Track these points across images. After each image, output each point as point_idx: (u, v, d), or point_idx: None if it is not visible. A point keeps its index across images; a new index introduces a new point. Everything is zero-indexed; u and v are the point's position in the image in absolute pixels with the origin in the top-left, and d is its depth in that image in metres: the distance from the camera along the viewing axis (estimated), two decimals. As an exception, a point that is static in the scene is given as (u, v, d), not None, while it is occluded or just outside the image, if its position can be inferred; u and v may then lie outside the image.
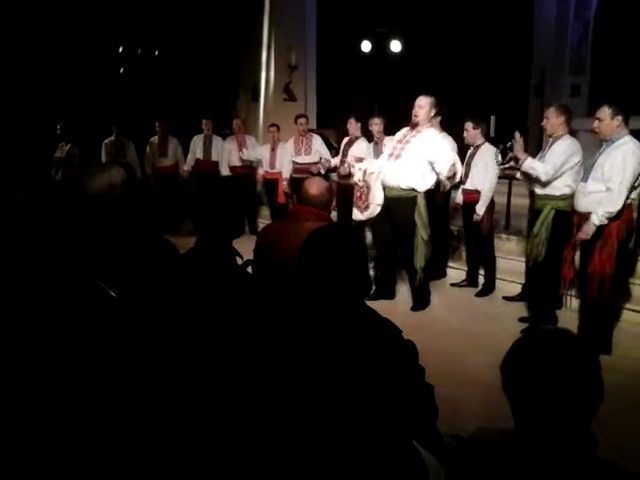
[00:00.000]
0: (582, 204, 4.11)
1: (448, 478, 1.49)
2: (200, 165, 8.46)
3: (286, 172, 7.77)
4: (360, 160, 5.62)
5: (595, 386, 1.26)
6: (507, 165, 4.93)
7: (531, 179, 4.67)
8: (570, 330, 1.35)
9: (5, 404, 1.76)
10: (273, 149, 8.03)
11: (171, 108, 9.80)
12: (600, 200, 3.96)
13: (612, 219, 3.93)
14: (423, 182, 5.02)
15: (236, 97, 10.48)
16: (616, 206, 3.87)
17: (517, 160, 4.62)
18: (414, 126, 5.10)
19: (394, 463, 1.52)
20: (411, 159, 5.00)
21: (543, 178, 4.45)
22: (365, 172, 5.36)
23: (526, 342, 1.33)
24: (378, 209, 5.29)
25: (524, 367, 1.28)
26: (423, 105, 5.02)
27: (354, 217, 5.55)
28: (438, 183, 5.86)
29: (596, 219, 3.92)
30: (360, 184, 5.45)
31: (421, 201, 5.01)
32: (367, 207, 5.34)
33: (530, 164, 4.51)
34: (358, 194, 5.61)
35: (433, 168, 5.03)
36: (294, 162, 7.69)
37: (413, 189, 5.02)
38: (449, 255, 6.37)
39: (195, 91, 10.48)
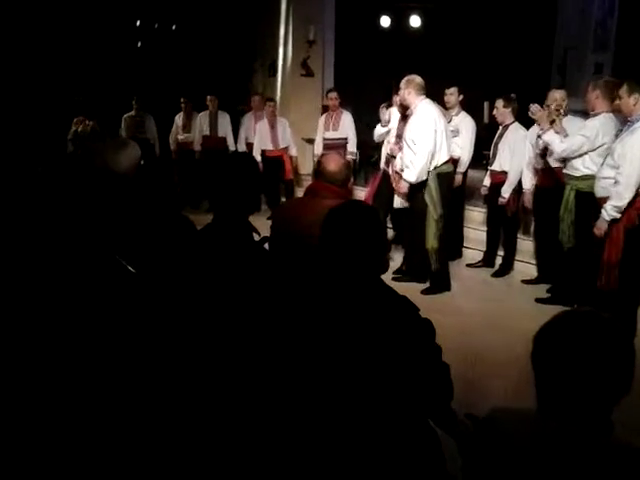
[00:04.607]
0: (597, 189, 4.04)
1: (462, 457, 1.50)
2: (207, 142, 8.38)
3: (318, 148, 7.63)
4: (400, 148, 5.48)
5: (626, 376, 1.24)
6: None
7: (550, 156, 4.68)
8: (613, 317, 1.31)
9: (22, 377, 1.79)
10: (272, 126, 7.85)
11: (188, 83, 9.76)
12: (608, 187, 3.86)
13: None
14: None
15: (253, 72, 10.40)
16: (623, 200, 3.75)
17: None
18: (405, 108, 5.09)
19: (410, 441, 1.53)
20: (407, 144, 4.96)
21: (556, 155, 4.54)
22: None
23: (566, 318, 1.30)
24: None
25: (558, 343, 1.25)
26: (402, 87, 4.96)
27: (396, 205, 5.45)
28: (455, 163, 5.83)
29: (606, 214, 3.82)
30: (401, 173, 5.35)
31: (432, 181, 4.93)
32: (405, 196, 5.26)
33: (549, 138, 4.53)
34: (398, 177, 5.50)
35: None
36: (323, 138, 7.61)
37: None
38: (464, 236, 6.33)
39: (212, 66, 10.41)
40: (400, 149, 5.35)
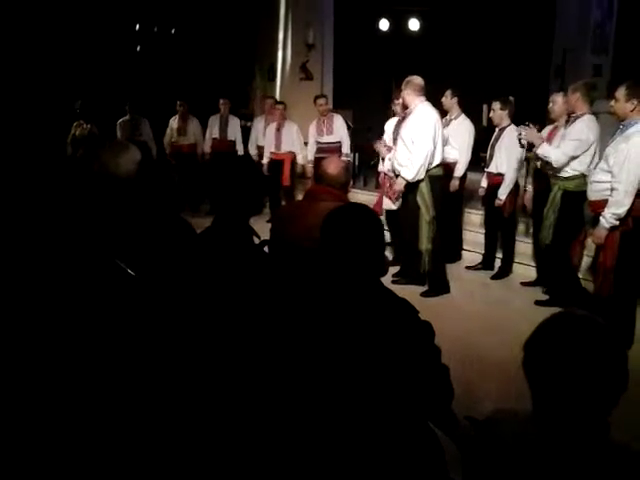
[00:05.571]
0: (589, 193, 4.05)
1: (463, 459, 1.50)
2: (216, 145, 8.45)
3: (310, 154, 7.66)
4: (390, 150, 5.52)
5: (619, 375, 1.22)
6: (527, 149, 4.95)
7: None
8: (598, 316, 1.30)
9: (22, 381, 1.79)
10: (279, 129, 7.82)
11: (187, 87, 9.78)
12: (602, 191, 3.86)
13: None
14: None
15: (253, 76, 10.42)
16: (623, 207, 3.70)
17: (533, 145, 4.71)
18: (404, 108, 5.14)
19: (410, 443, 1.54)
20: (404, 142, 4.99)
21: (555, 165, 4.53)
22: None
23: (553, 324, 1.29)
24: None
25: (548, 349, 1.25)
26: (403, 87, 5.01)
27: (385, 207, 5.48)
28: (451, 168, 5.87)
29: (605, 222, 3.77)
30: (390, 174, 5.39)
31: (423, 183, 4.94)
32: (398, 197, 5.26)
33: (544, 152, 4.58)
34: (388, 184, 5.55)
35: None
36: (317, 142, 7.63)
37: None
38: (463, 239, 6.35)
39: (211, 70, 10.43)
40: (389, 150, 5.39)
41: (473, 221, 6.48)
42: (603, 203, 3.85)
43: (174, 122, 8.64)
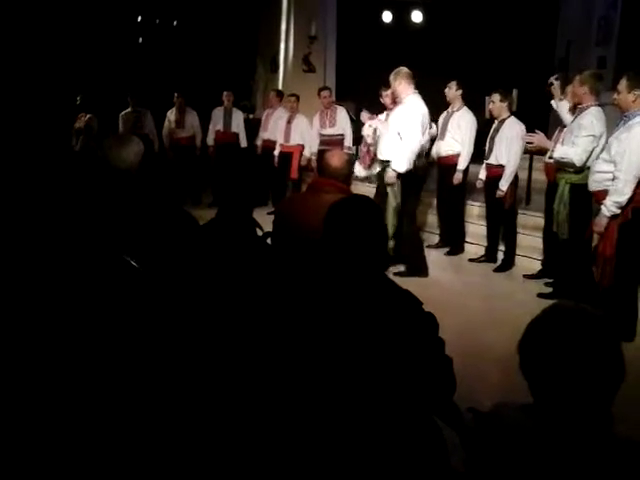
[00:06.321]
0: (591, 183, 4.06)
1: (466, 451, 1.50)
2: (220, 137, 8.46)
3: (314, 146, 7.65)
4: (372, 118, 5.61)
5: (615, 365, 1.21)
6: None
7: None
8: (589, 306, 1.29)
9: (25, 375, 1.80)
10: (289, 121, 7.81)
11: (189, 79, 9.76)
12: (603, 181, 3.86)
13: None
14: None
15: (255, 68, 10.39)
16: (624, 195, 3.73)
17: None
18: (393, 100, 5.28)
19: (412, 434, 1.54)
20: (389, 132, 5.08)
21: (578, 164, 4.45)
22: (375, 131, 5.44)
23: (543, 320, 1.29)
24: (378, 168, 5.39)
25: (541, 346, 1.25)
26: (392, 79, 5.09)
27: (356, 173, 5.54)
28: (454, 160, 5.89)
29: (606, 210, 3.80)
30: (369, 141, 5.48)
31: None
32: (370, 166, 5.34)
33: (562, 154, 4.52)
34: (365, 150, 5.64)
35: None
36: (320, 134, 7.63)
37: (389, 160, 5.10)
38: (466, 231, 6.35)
39: (213, 62, 10.41)
40: (371, 118, 5.57)
41: (476, 213, 6.47)
42: (605, 194, 3.87)
43: (171, 115, 8.64)
